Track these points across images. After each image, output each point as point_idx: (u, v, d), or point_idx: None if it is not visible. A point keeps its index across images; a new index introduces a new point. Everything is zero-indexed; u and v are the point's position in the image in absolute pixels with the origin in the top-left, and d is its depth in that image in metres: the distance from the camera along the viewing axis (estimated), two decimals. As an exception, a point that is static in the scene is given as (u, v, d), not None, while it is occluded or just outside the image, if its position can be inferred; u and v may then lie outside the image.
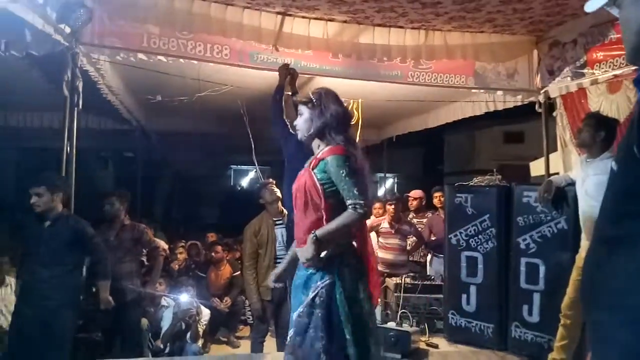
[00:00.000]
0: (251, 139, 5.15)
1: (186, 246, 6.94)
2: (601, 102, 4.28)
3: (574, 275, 3.19)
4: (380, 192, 14.38)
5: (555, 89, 4.84)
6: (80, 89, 3.83)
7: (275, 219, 4.24)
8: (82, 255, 3.66)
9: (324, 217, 2.14)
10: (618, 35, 3.92)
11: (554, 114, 4.98)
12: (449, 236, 4.21)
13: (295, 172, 2.35)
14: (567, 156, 4.81)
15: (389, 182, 15.92)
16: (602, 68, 4.24)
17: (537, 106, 5.13)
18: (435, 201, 6.05)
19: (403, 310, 4.37)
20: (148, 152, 9.19)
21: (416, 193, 6.44)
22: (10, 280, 4.45)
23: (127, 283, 4.31)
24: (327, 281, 2.11)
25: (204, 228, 9.11)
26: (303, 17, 4.28)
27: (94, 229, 4.21)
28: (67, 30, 3.55)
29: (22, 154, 10.75)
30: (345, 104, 2.37)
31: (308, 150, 2.39)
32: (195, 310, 5.13)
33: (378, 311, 4.63)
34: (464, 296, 4.09)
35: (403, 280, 4.63)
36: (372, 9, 4.09)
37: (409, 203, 6.37)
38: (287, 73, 3.73)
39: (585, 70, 4.42)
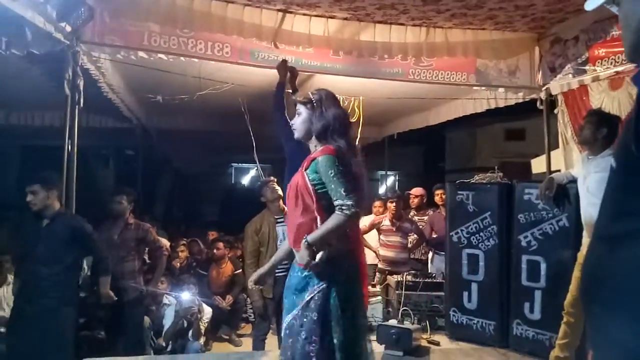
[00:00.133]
0: (252, 137, 5.15)
1: (186, 243, 6.95)
2: (603, 99, 4.27)
3: (576, 273, 3.18)
4: (382, 189, 14.39)
5: (557, 86, 4.83)
6: (81, 88, 3.83)
7: (276, 217, 4.24)
8: (81, 252, 3.67)
9: (317, 218, 2.11)
10: (620, 32, 3.89)
11: (556, 111, 4.98)
12: (450, 234, 4.20)
13: (296, 170, 2.34)
14: (569, 153, 4.80)
15: (390, 180, 15.92)
16: (604, 65, 4.23)
17: (538, 103, 5.12)
18: (437, 199, 6.05)
19: (404, 308, 4.37)
20: (149, 150, 9.19)
21: (417, 191, 6.45)
22: (13, 278, 4.46)
23: (129, 281, 4.32)
24: (323, 285, 2.10)
25: (205, 226, 9.11)
26: (304, 14, 4.27)
27: (98, 227, 4.23)
28: (68, 28, 3.55)
29: (23, 153, 10.77)
30: (344, 105, 2.36)
31: (308, 149, 2.38)
32: (197, 308, 5.14)
33: (379, 309, 4.64)
34: (466, 294, 4.09)
35: (404, 277, 4.63)
36: (373, 6, 4.08)
37: (410, 201, 6.37)
38: (286, 69, 3.71)
39: (586, 67, 4.41)
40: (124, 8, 3.81)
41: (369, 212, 6.06)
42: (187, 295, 5.15)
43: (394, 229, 5.45)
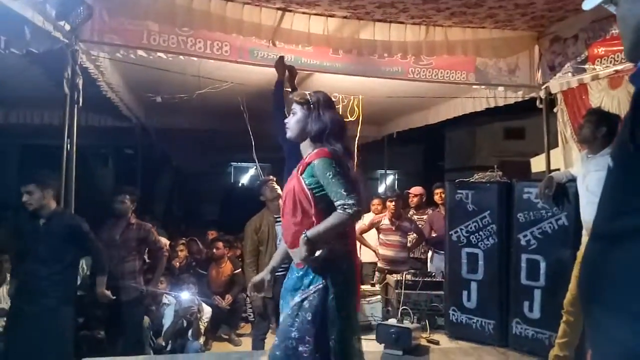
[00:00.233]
0: (251, 136, 5.15)
1: (186, 243, 6.94)
2: (602, 98, 4.27)
3: (576, 272, 3.18)
4: (381, 188, 14.40)
5: (556, 84, 4.83)
6: (80, 86, 3.82)
7: (275, 216, 4.23)
8: (78, 251, 3.66)
9: (315, 223, 2.08)
10: (619, 31, 3.90)
11: (555, 109, 4.98)
12: (450, 233, 4.20)
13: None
14: (568, 152, 4.80)
15: (390, 179, 15.93)
16: (604, 63, 4.23)
17: (538, 102, 5.12)
18: (436, 198, 6.05)
19: (404, 307, 4.38)
20: (148, 149, 9.18)
21: (417, 189, 6.45)
22: (10, 278, 4.45)
23: (130, 281, 4.31)
24: (320, 285, 2.09)
25: (205, 225, 9.11)
26: (303, 12, 4.27)
27: (100, 226, 4.21)
28: (67, 27, 3.54)
29: (22, 152, 10.76)
30: (344, 104, 2.35)
31: None
32: (196, 308, 5.14)
33: (379, 308, 4.64)
34: (465, 293, 4.09)
35: (404, 277, 4.63)
36: (373, 5, 4.08)
37: (410, 200, 6.37)
38: (284, 67, 3.70)
39: (586, 66, 4.40)
40: (123, 7, 3.81)
41: (368, 211, 6.07)
42: (186, 295, 5.15)
43: (394, 228, 5.45)
